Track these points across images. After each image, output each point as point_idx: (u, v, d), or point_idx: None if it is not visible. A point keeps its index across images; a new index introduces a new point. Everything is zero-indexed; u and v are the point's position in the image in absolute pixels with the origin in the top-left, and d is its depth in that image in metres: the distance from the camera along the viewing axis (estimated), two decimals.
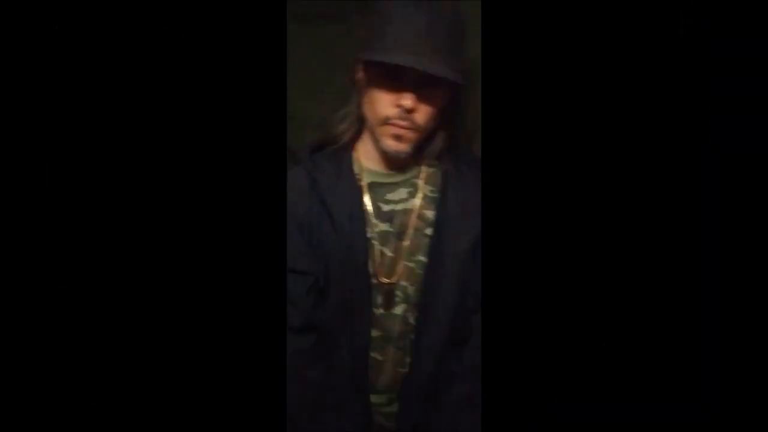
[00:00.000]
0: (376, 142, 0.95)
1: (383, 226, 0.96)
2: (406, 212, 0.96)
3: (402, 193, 0.97)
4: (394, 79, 0.88)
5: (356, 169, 0.98)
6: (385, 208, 0.96)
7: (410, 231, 0.95)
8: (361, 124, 0.97)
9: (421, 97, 0.89)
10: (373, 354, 0.95)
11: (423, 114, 0.90)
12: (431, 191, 0.98)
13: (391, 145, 0.92)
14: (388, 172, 0.98)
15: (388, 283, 0.94)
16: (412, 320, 0.94)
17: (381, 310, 0.94)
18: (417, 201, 0.97)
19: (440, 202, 0.96)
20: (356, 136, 0.99)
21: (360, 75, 0.92)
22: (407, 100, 0.88)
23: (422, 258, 0.95)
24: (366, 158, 0.99)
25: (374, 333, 0.94)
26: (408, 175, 0.98)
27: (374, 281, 0.94)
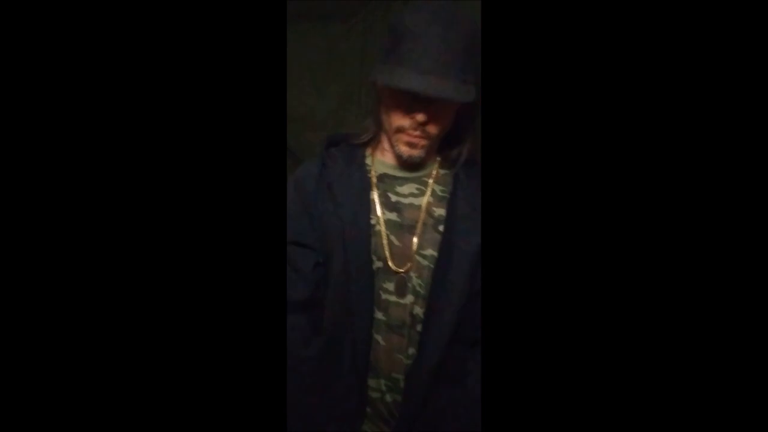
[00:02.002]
0: (392, 145, 0.99)
1: (390, 215, 0.98)
2: (414, 207, 0.98)
3: (411, 188, 1.00)
4: (407, 95, 0.90)
5: (369, 161, 1.02)
6: (393, 198, 0.99)
7: (420, 225, 0.97)
8: (378, 128, 1.01)
9: (434, 111, 0.93)
10: (375, 336, 0.96)
11: (436, 125, 0.94)
12: (441, 191, 1.00)
13: (404, 150, 0.96)
14: (401, 169, 1.02)
15: (399, 272, 0.95)
16: (419, 312, 0.95)
17: (393, 297, 0.96)
18: (426, 198, 0.99)
19: (450, 201, 0.99)
20: (374, 137, 1.03)
21: (376, 87, 0.96)
22: (420, 115, 0.92)
23: (433, 252, 0.96)
24: (381, 155, 1.03)
25: (379, 316, 0.95)
26: (419, 174, 1.01)
27: (382, 266, 0.96)
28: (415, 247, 0.96)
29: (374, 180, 1.00)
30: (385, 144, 1.02)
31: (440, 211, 0.98)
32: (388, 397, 0.96)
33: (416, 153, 0.96)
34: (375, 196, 0.99)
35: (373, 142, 1.03)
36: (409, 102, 0.92)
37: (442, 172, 1.02)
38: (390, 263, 0.95)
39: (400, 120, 0.94)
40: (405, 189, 1.00)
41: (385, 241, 0.95)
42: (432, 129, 0.94)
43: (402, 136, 0.95)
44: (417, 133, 0.94)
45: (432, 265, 0.95)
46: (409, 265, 0.96)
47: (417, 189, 1.00)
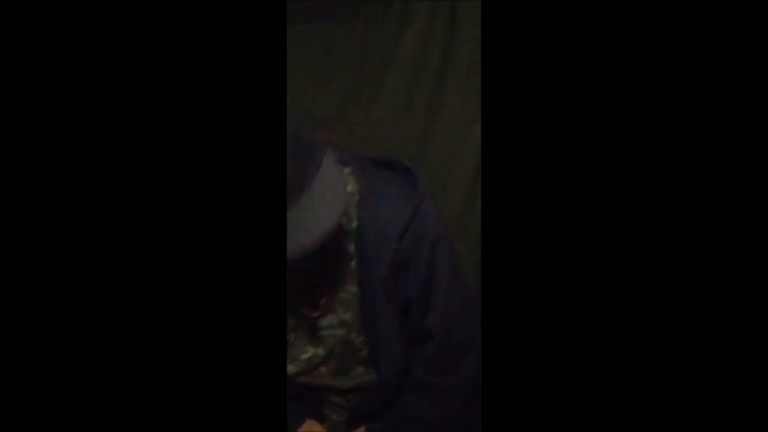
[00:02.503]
0: None
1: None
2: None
3: None
4: None
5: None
6: None
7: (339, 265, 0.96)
8: None
9: None
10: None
11: None
12: (347, 224, 0.96)
13: None
14: None
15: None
16: (355, 339, 0.97)
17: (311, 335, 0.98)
18: None
19: (358, 232, 0.96)
20: None
21: None
22: None
23: (353, 288, 0.96)
24: None
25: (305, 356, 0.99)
26: None
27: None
28: (339, 287, 0.96)
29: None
30: None
31: (351, 245, 0.96)
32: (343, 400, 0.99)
33: None
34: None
35: None
36: None
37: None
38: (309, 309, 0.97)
39: None
40: None
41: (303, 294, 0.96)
42: None
43: None
44: None
45: (356, 300, 0.96)
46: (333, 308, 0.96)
47: None
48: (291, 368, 0.98)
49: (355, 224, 0.96)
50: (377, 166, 1.01)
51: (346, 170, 0.96)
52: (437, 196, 1.19)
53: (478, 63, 1.13)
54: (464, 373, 0.98)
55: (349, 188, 0.95)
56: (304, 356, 0.99)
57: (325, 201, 0.82)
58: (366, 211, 0.95)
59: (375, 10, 1.30)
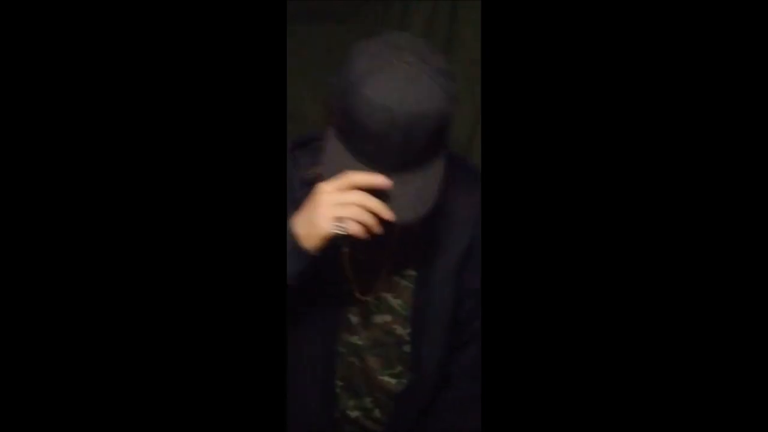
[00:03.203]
0: None
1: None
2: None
3: None
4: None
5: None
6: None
7: (394, 245, 0.89)
8: None
9: None
10: (349, 358, 0.92)
11: None
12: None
13: None
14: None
15: (364, 299, 0.91)
16: (400, 331, 0.91)
17: (358, 318, 0.91)
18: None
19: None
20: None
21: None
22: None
23: (412, 272, 0.91)
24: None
25: (352, 339, 0.92)
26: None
27: (347, 287, 0.90)
28: (394, 267, 0.90)
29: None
30: None
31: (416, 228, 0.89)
32: (377, 413, 0.94)
33: None
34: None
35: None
36: None
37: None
38: (353, 286, 0.89)
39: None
40: None
41: (347, 257, 0.89)
42: None
43: None
44: None
45: (412, 285, 0.90)
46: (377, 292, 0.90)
47: None
48: (340, 349, 0.93)
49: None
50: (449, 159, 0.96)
51: None
52: None
53: (478, 63, 1.13)
54: None
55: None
56: (353, 339, 0.93)
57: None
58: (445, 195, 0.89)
59: (375, 10, 1.30)
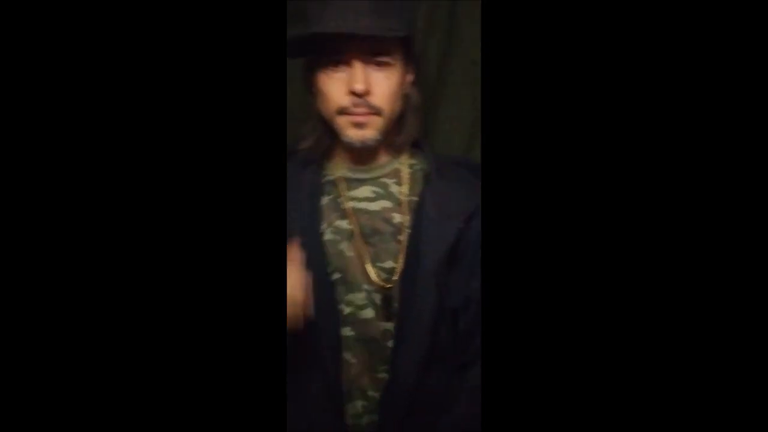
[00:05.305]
0: (339, 137, 0.88)
1: (341, 223, 0.90)
2: (371, 213, 0.90)
3: (367, 191, 0.91)
4: (339, 62, 0.83)
5: (327, 165, 0.93)
6: (347, 204, 0.90)
7: (377, 234, 0.89)
8: (329, 132, 0.90)
9: (373, 77, 0.84)
10: (345, 354, 0.88)
11: (380, 96, 0.85)
12: (404, 193, 0.91)
13: (353, 135, 0.86)
14: (357, 167, 0.92)
15: (386, 287, 0.88)
16: (389, 327, 0.88)
17: (351, 309, 0.88)
18: (383, 202, 0.91)
19: (418, 205, 0.90)
20: (329, 144, 0.92)
21: (306, 72, 0.88)
22: (358, 83, 0.82)
23: (391, 264, 0.89)
24: (339, 156, 0.93)
25: (346, 332, 0.88)
26: (377, 173, 0.92)
27: (341, 277, 0.88)
28: (371, 258, 0.88)
29: (329, 185, 0.91)
30: (339, 145, 0.91)
31: (400, 218, 0.89)
32: (365, 419, 0.89)
33: (369, 135, 0.85)
34: (325, 201, 0.90)
35: (329, 150, 0.92)
36: (343, 69, 0.83)
37: (408, 170, 0.92)
38: (348, 277, 0.88)
39: (337, 99, 0.84)
40: (360, 192, 0.91)
41: (336, 253, 0.88)
42: (376, 100, 0.84)
43: (345, 118, 0.85)
44: (361, 110, 0.83)
45: (391, 276, 0.87)
46: (366, 277, 0.87)
47: (373, 192, 0.91)
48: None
49: (415, 198, 0.90)
50: (450, 161, 0.97)
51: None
52: None
53: (478, 63, 1.13)
54: None
55: (422, 165, 0.92)
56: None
57: None
58: (431, 187, 0.90)
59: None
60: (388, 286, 0.87)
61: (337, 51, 0.83)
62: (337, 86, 0.84)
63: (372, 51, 0.84)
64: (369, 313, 0.89)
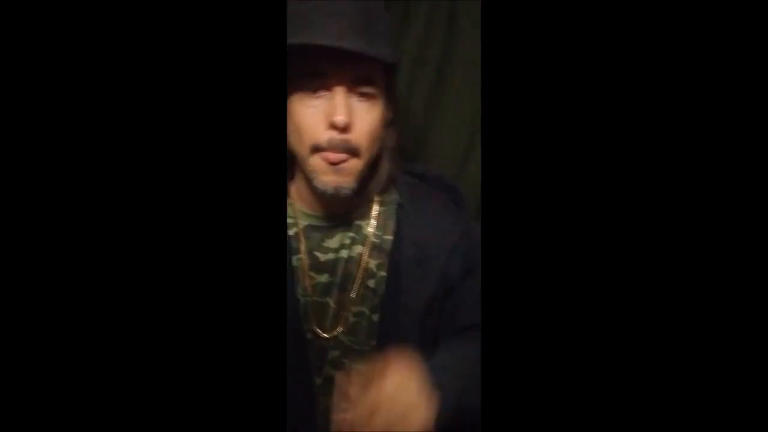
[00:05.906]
0: (309, 181, 0.78)
1: (322, 278, 0.82)
2: (350, 260, 0.83)
3: (342, 238, 0.83)
4: (317, 87, 0.73)
5: (290, 212, 0.83)
6: (322, 257, 0.82)
7: (355, 282, 0.82)
8: (292, 163, 0.80)
9: (355, 109, 0.74)
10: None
11: (360, 133, 0.75)
12: (376, 236, 0.83)
13: (327, 182, 0.75)
14: (326, 216, 0.83)
15: (325, 338, 0.81)
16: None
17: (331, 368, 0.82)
18: (359, 248, 0.83)
19: (393, 245, 0.82)
20: (289, 178, 0.82)
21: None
22: (339, 114, 0.72)
23: (365, 310, 0.82)
24: (300, 200, 0.83)
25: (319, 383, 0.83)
26: (348, 217, 0.83)
27: (312, 336, 0.82)
28: (348, 305, 0.82)
29: (300, 236, 0.82)
30: (302, 183, 0.81)
31: (373, 264, 0.82)
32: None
33: (344, 183, 0.75)
34: (299, 261, 0.81)
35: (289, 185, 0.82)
36: (324, 96, 0.73)
37: (379, 208, 0.83)
38: (318, 330, 0.81)
39: (313, 134, 0.74)
40: (335, 241, 0.82)
41: (316, 310, 0.81)
42: (357, 139, 0.74)
43: (320, 159, 0.74)
44: (339, 149, 0.73)
45: (366, 324, 0.81)
46: (340, 325, 0.81)
47: (350, 238, 0.82)
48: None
49: (390, 237, 0.82)
50: (419, 177, 0.87)
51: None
52: None
53: (478, 63, 1.13)
54: None
55: (394, 196, 0.83)
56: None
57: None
58: (407, 223, 0.82)
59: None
60: (326, 335, 0.81)
61: (318, 72, 0.74)
62: (314, 117, 0.74)
63: (356, 78, 0.74)
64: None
